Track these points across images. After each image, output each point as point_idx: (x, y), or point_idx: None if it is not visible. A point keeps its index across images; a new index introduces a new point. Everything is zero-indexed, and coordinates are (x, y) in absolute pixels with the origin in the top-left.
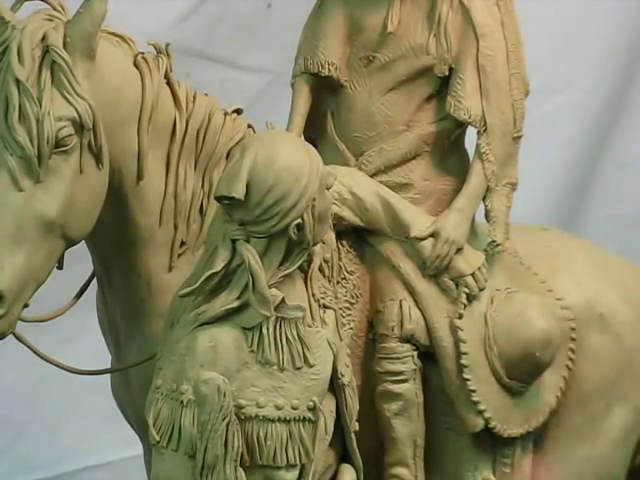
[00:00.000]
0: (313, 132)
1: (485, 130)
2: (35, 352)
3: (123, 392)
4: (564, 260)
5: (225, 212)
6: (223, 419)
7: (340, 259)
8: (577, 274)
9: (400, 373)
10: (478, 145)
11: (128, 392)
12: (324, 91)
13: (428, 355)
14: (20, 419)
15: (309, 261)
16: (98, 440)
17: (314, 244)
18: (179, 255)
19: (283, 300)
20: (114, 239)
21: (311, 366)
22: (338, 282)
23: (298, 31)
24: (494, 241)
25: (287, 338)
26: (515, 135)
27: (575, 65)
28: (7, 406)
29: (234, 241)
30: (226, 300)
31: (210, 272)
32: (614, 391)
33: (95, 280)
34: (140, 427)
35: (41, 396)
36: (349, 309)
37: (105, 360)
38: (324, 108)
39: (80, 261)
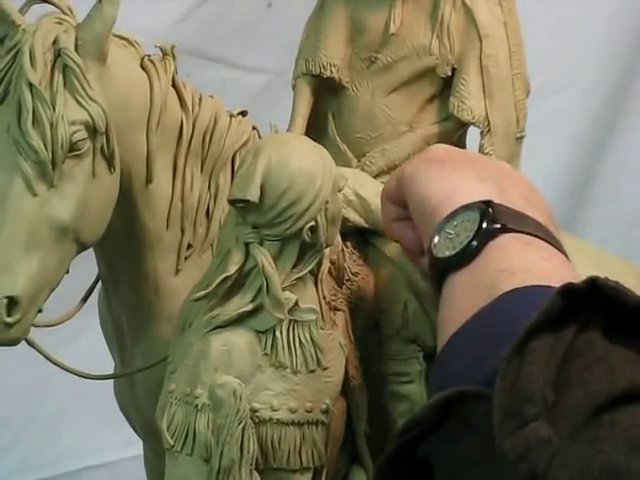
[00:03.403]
0: (314, 133)
1: (489, 130)
2: (46, 356)
3: (127, 395)
4: None
5: (238, 215)
6: (239, 423)
7: (345, 261)
8: None
9: (406, 374)
10: (481, 145)
11: (133, 395)
12: (325, 92)
13: (433, 356)
14: (20, 419)
15: (319, 263)
16: (98, 440)
17: (326, 246)
18: (186, 258)
19: (296, 303)
20: (122, 242)
21: (324, 369)
22: (343, 283)
23: (298, 31)
24: None
25: (300, 341)
26: (518, 135)
27: (575, 65)
28: (7, 406)
29: (247, 244)
30: (239, 303)
31: (224, 275)
32: None
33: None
34: (145, 430)
35: (41, 396)
36: (354, 310)
37: (105, 361)
38: (325, 109)
39: (80, 263)
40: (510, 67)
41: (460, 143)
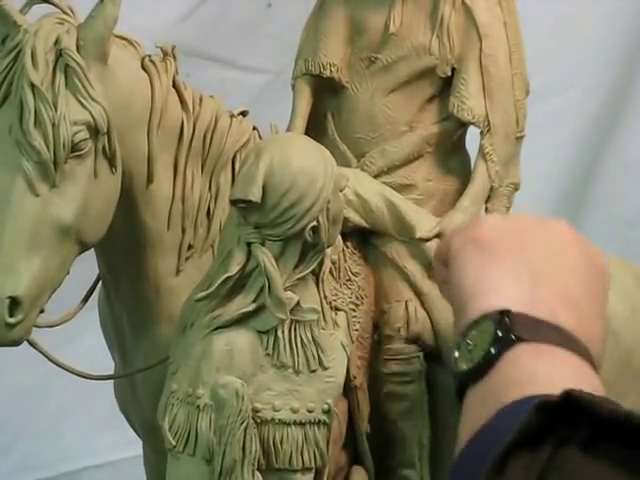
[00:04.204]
0: (314, 133)
1: (489, 130)
2: (48, 357)
3: (128, 395)
4: None
5: (240, 215)
6: (241, 423)
7: (345, 261)
8: None
9: (406, 374)
10: (482, 145)
11: (133, 395)
12: (325, 92)
13: (433, 356)
14: (20, 419)
15: (320, 263)
16: (98, 440)
17: (328, 246)
18: (186, 258)
19: (298, 303)
20: (123, 243)
21: (326, 369)
22: (344, 284)
23: (298, 31)
24: None
25: (302, 341)
26: (518, 135)
27: (575, 65)
28: (7, 406)
29: (249, 244)
30: (241, 304)
31: (226, 276)
32: (614, 389)
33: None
34: (145, 430)
35: (41, 396)
36: (354, 310)
37: (105, 361)
38: (325, 109)
39: (79, 264)
40: (510, 67)
41: (460, 143)
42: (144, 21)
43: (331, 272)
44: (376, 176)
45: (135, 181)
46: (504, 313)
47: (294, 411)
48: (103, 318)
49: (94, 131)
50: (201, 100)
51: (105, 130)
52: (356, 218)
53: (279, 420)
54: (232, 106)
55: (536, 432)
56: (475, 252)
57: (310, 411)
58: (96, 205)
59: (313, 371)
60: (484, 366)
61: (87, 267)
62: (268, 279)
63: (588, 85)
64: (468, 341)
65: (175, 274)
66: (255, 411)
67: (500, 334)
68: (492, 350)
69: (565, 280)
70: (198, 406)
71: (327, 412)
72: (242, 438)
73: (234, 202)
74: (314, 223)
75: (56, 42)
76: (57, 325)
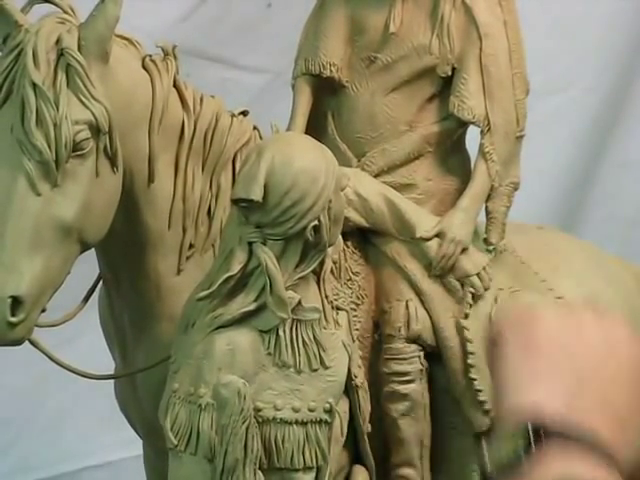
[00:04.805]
0: (314, 133)
1: (489, 130)
2: (49, 356)
3: (128, 395)
4: (563, 259)
5: (241, 214)
6: (243, 422)
7: (346, 260)
8: (576, 273)
9: (406, 374)
10: (482, 145)
11: (134, 395)
12: (325, 92)
13: (434, 355)
14: (20, 419)
15: (321, 263)
16: (98, 440)
17: (329, 245)
18: (187, 258)
19: (300, 302)
20: (124, 242)
21: (327, 368)
22: (344, 283)
23: (298, 31)
24: (489, 241)
25: (303, 340)
26: (518, 134)
27: (575, 65)
28: (7, 406)
29: (250, 243)
30: (243, 303)
31: (227, 275)
32: None
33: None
34: (145, 429)
35: (41, 396)
36: (355, 310)
37: (105, 361)
38: (325, 109)
39: (79, 264)
40: (510, 66)
41: (460, 142)
42: (144, 21)
43: (332, 271)
44: (376, 175)
45: (136, 180)
46: (539, 426)
47: (296, 410)
48: (104, 318)
49: (96, 130)
50: (202, 100)
51: (106, 129)
52: (356, 217)
53: (281, 419)
54: (232, 106)
55: None
56: (524, 361)
57: (311, 410)
58: (98, 204)
59: (315, 370)
60: (510, 474)
61: (88, 267)
62: (269, 278)
63: (588, 85)
64: (499, 446)
65: (176, 273)
66: (257, 410)
67: (532, 445)
68: (519, 461)
69: (608, 387)
70: (200, 405)
71: (328, 411)
72: (244, 437)
73: (236, 201)
74: (315, 222)
75: (57, 41)
76: (58, 324)
